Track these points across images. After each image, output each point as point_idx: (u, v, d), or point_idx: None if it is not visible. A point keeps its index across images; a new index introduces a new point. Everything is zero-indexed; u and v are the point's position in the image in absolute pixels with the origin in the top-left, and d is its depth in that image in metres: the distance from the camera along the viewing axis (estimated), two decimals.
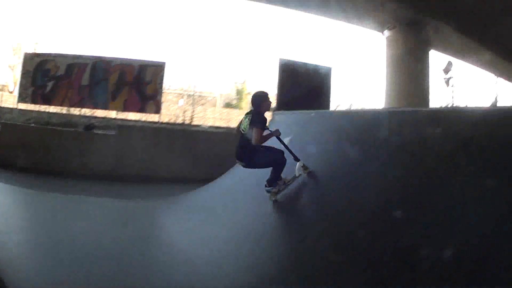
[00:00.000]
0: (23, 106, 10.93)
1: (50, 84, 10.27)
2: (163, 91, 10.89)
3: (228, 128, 13.67)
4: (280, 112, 6.63)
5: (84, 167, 7.88)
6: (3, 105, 14.75)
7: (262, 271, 2.99)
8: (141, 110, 10.71)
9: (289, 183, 4.25)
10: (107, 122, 10.34)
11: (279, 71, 8.31)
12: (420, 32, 12.54)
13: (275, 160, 4.17)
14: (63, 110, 10.81)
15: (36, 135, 8.63)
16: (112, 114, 11.78)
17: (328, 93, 8.95)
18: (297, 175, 4.25)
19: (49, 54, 10.78)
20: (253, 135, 3.92)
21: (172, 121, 13.06)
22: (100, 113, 11.08)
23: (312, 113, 5.71)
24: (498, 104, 15.19)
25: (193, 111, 13.39)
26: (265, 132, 4.14)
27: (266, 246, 3.50)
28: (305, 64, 9.10)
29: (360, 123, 4.32)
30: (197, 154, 8.05)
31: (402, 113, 4.15)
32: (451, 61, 14.15)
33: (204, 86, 24.05)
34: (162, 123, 11.31)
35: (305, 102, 7.09)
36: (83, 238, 3.67)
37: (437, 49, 14.32)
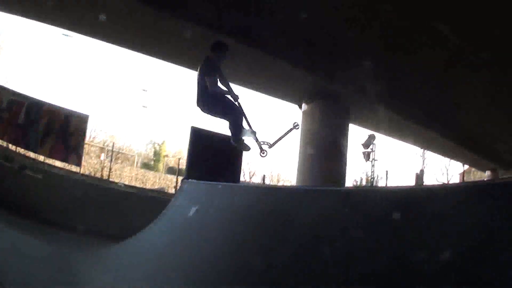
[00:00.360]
0: None
1: None
2: (85, 143, 11.06)
3: (142, 190, 13.79)
4: (189, 181, 6.49)
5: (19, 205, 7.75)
6: None
7: None
8: (65, 159, 10.73)
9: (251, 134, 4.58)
10: (37, 165, 10.06)
11: (190, 138, 8.23)
12: (339, 105, 12.00)
13: (232, 107, 4.40)
14: (3, 144, 10.21)
15: None
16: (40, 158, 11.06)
17: (239, 165, 8.74)
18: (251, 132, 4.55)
19: None
20: (208, 82, 4.24)
21: (92, 174, 13.33)
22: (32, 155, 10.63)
23: (219, 185, 5.58)
24: (424, 177, 15.76)
25: (111, 168, 13.69)
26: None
27: None
28: (218, 134, 8.49)
29: (268, 200, 4.29)
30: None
31: (314, 192, 4.23)
32: (373, 134, 13.80)
33: (124, 143, 24.00)
34: (82, 175, 11.42)
35: (216, 173, 7.03)
36: None
37: (356, 123, 13.51)
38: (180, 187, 6.52)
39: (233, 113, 4.41)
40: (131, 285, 3.84)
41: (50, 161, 11.27)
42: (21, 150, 10.35)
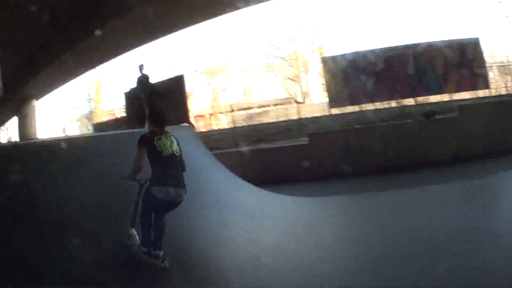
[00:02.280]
0: (335, 111, 10.91)
1: (370, 81, 10.13)
2: (486, 65, 10.63)
3: None
4: None
5: (418, 157, 7.68)
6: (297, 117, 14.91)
7: None
8: (473, 87, 10.52)
9: None
10: (443, 106, 9.91)
11: None
12: None
13: None
14: (391, 104, 10.56)
15: (358, 137, 8.46)
16: (436, 98, 11.16)
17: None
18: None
19: (356, 53, 10.80)
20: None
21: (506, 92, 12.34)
22: (432, 99, 10.84)
23: None
24: None
25: None
26: None
27: None
28: None
29: None
30: None
31: None
32: None
33: None
34: (494, 96, 10.96)
35: None
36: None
37: None
38: None
39: None
40: None
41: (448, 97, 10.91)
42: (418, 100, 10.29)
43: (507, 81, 13.32)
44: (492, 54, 16.44)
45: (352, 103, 10.75)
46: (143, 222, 3.45)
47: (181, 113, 8.55)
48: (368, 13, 36.07)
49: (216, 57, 23.81)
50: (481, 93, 10.80)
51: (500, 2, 20.17)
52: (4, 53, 8.88)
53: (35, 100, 16.66)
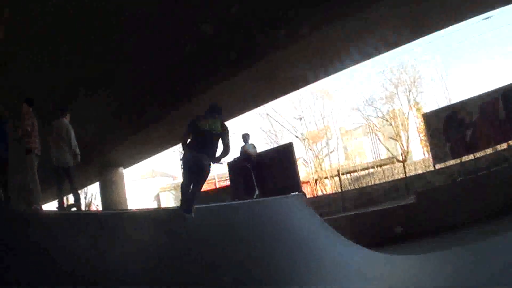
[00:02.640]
0: (438, 166, 11.37)
1: (468, 132, 10.10)
2: None
3: None
4: None
5: None
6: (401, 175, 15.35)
7: None
8: None
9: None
10: None
11: None
12: None
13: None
14: (487, 152, 10.78)
15: (464, 187, 8.74)
16: None
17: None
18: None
19: (452, 106, 11.20)
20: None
21: None
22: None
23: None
24: None
25: None
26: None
27: None
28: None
29: None
30: None
31: None
32: None
33: None
34: None
35: None
36: None
37: None
38: None
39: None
40: None
41: None
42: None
43: None
44: None
45: (454, 157, 10.82)
46: (182, 186, 4.90)
47: (293, 182, 8.74)
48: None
49: (316, 121, 24.51)
50: None
51: None
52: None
53: (122, 168, 17.09)
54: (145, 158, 17.62)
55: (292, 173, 8.96)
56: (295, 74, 10.24)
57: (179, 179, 25.36)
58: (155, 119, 11.71)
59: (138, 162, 18.07)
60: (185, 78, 9.71)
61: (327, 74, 11.58)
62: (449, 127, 10.30)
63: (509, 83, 9.85)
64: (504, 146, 10.72)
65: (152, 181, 34.66)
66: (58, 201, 5.79)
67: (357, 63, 11.32)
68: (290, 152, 9.18)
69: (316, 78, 11.88)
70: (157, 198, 32.40)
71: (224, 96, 10.46)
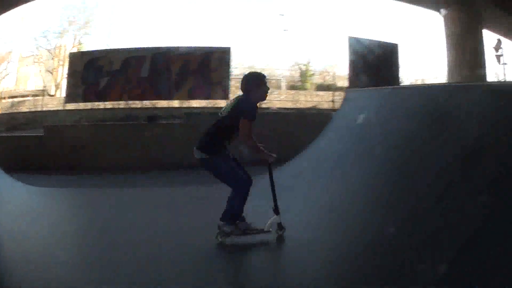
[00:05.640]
0: (71, 106, 11.08)
1: (104, 80, 10.17)
2: (231, 76, 10.73)
3: (298, 109, 13.82)
4: (353, 89, 6.66)
5: (146, 159, 7.80)
6: (44, 109, 15.24)
7: None
8: (208, 97, 10.69)
9: (250, 233, 3.13)
10: (171, 112, 10.28)
11: (350, 49, 8.38)
12: (472, 12, 12.60)
13: (237, 176, 3.06)
14: (120, 105, 10.75)
15: (87, 134, 8.59)
16: (174, 104, 11.83)
17: (396, 69, 9.23)
18: (266, 229, 3.13)
19: (100, 51, 10.91)
20: (240, 129, 2.92)
21: None
22: (162, 104, 11.18)
23: (388, 89, 5.58)
24: None
25: None
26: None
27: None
28: (373, 41, 9.37)
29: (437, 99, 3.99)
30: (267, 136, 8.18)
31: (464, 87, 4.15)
32: (500, 39, 14.69)
33: (267, 69, 22.47)
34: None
35: (375, 79, 7.34)
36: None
37: (489, 28, 14.39)
38: (345, 97, 6.47)
39: (234, 182, 3.07)
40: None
41: (187, 104, 11.54)
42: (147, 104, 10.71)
43: None
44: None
45: (85, 100, 10.80)
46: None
47: None
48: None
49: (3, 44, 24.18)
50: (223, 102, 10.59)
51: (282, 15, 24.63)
52: None
53: None
54: None
55: None
56: None
57: None
58: None
59: None
60: None
61: None
62: (86, 70, 10.25)
63: (161, 45, 10.33)
64: (137, 104, 11.06)
65: None
66: None
67: None
68: None
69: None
70: None
71: None
